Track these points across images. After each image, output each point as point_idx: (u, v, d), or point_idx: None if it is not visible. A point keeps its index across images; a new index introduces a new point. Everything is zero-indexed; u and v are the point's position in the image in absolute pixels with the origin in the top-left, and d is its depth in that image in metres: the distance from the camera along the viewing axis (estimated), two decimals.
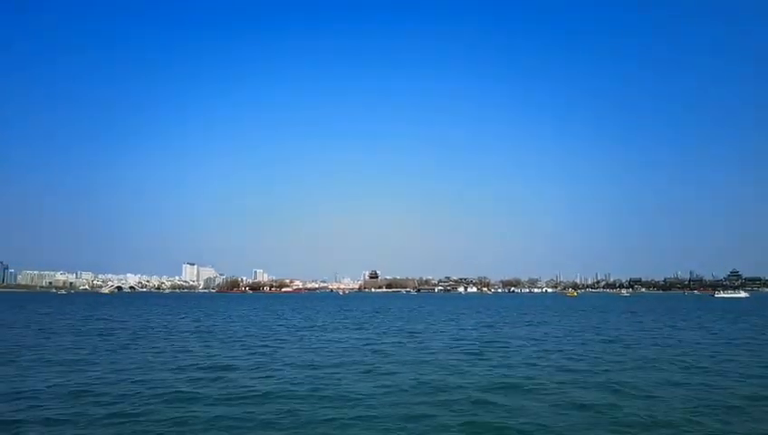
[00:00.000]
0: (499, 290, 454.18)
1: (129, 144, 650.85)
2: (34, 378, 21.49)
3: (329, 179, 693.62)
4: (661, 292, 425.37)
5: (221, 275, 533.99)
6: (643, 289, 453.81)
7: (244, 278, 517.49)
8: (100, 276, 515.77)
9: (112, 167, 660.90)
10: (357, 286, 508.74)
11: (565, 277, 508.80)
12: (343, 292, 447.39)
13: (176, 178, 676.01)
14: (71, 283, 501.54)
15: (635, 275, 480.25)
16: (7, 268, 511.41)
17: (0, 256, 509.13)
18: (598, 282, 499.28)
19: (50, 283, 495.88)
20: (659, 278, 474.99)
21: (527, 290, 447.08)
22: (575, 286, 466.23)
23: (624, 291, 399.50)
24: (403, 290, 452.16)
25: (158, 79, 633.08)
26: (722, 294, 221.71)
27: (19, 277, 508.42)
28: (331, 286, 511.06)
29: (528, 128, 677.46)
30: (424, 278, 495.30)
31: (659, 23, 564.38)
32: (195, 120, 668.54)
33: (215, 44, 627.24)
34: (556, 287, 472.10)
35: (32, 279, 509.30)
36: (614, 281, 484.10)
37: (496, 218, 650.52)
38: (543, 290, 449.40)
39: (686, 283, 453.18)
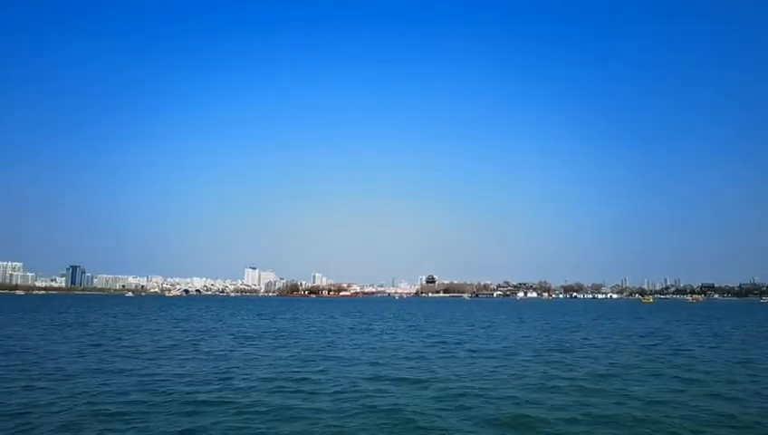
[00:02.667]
0: (560, 295, 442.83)
1: (190, 149, 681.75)
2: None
3: (387, 184, 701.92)
4: (736, 298, 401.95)
5: (281, 278, 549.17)
6: (716, 295, 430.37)
7: (304, 282, 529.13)
8: (168, 280, 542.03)
9: (177, 175, 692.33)
10: (414, 291, 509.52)
11: (631, 282, 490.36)
12: (400, 296, 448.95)
13: (239, 184, 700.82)
14: (142, 286, 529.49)
15: (707, 281, 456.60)
16: (84, 272, 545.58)
17: (78, 260, 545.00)
18: (667, 287, 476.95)
19: (123, 286, 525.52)
20: (734, 284, 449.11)
21: (590, 296, 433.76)
22: (642, 292, 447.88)
23: (689, 297, 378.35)
24: (464, 295, 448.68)
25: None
26: None
27: (95, 281, 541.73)
28: (388, 291, 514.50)
29: (590, 127, 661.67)
30: (482, 283, 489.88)
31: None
32: (259, 121, 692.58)
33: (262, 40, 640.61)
34: (622, 293, 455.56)
35: (107, 282, 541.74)
36: (684, 286, 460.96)
37: (557, 221, 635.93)
38: (608, 296, 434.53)
39: (765, 289, 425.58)
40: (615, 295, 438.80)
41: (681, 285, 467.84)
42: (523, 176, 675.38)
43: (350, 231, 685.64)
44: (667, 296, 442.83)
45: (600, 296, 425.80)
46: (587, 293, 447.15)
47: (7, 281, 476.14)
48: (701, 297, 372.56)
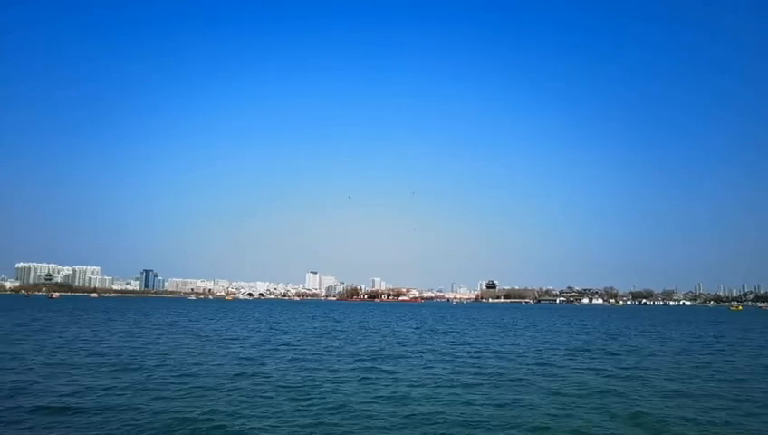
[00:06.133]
0: (628, 302, 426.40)
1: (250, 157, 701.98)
2: None
3: (445, 189, 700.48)
4: None
5: (341, 282, 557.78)
6: None
7: (363, 286, 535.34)
8: (234, 284, 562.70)
9: (244, 184, 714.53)
10: (474, 296, 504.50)
11: (706, 289, 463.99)
12: (458, 301, 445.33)
13: (301, 191, 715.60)
14: (209, 289, 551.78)
15: None
16: (156, 276, 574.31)
17: (151, 264, 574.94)
18: (745, 294, 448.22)
19: (191, 289, 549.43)
20: None
21: (661, 302, 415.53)
22: (718, 299, 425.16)
23: (762, 304, 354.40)
24: (523, 301, 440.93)
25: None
26: None
27: (166, 284, 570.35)
28: (447, 296, 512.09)
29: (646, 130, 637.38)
30: (544, 289, 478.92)
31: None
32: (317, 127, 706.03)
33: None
34: (695, 300, 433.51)
35: (176, 286, 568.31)
36: (765, 293, 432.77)
37: (627, 220, 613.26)
38: (681, 303, 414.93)
39: None
40: (688, 302, 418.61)
41: (761, 292, 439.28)
42: (586, 182, 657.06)
43: (408, 236, 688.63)
44: (746, 304, 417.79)
45: (671, 304, 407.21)
46: (657, 300, 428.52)
47: (86, 284, 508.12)
48: (764, 304, 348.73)
